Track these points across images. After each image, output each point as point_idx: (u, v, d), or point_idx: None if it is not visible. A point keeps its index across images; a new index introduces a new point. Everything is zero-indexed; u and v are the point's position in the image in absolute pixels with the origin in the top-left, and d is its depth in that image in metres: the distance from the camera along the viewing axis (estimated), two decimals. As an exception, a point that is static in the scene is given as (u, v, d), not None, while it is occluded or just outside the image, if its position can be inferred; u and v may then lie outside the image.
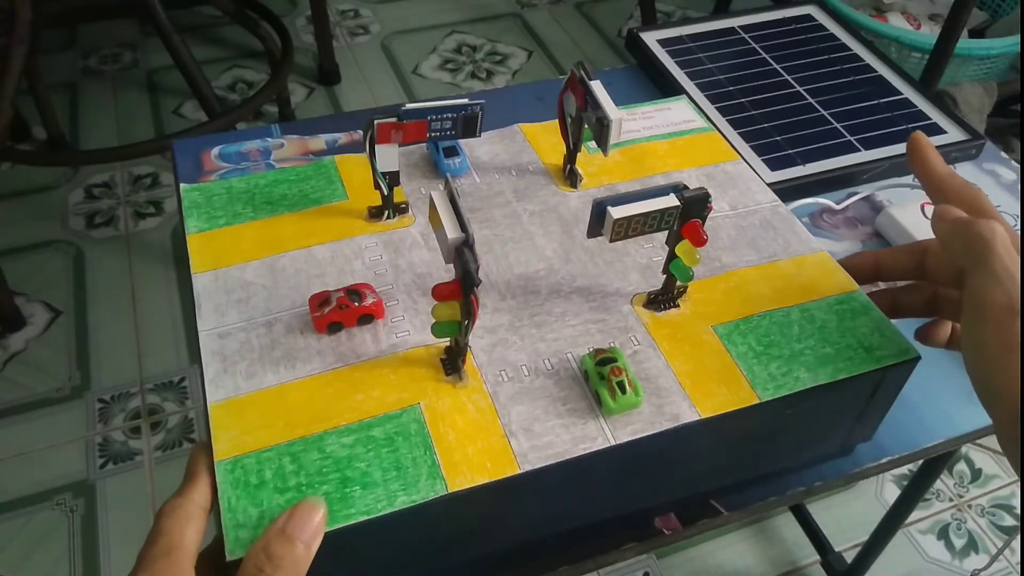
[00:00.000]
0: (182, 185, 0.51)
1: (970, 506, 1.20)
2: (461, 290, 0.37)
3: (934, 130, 0.66)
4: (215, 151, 0.57)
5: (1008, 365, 0.33)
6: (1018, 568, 1.14)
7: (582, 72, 0.48)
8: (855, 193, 0.63)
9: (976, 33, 1.69)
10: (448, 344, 0.41)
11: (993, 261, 0.35)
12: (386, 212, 0.49)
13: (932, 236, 0.40)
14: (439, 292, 0.37)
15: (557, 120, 0.52)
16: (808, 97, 0.69)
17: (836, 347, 0.42)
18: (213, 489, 0.36)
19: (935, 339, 0.44)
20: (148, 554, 0.34)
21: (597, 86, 0.47)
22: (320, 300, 0.42)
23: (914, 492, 0.94)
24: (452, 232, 0.36)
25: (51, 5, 1.55)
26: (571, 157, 0.52)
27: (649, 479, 0.43)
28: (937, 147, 0.64)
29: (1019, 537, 1.17)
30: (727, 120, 0.67)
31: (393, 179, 0.48)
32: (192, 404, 1.24)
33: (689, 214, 0.41)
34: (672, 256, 0.42)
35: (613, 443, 0.38)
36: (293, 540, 0.33)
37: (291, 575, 0.33)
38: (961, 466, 1.25)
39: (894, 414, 0.46)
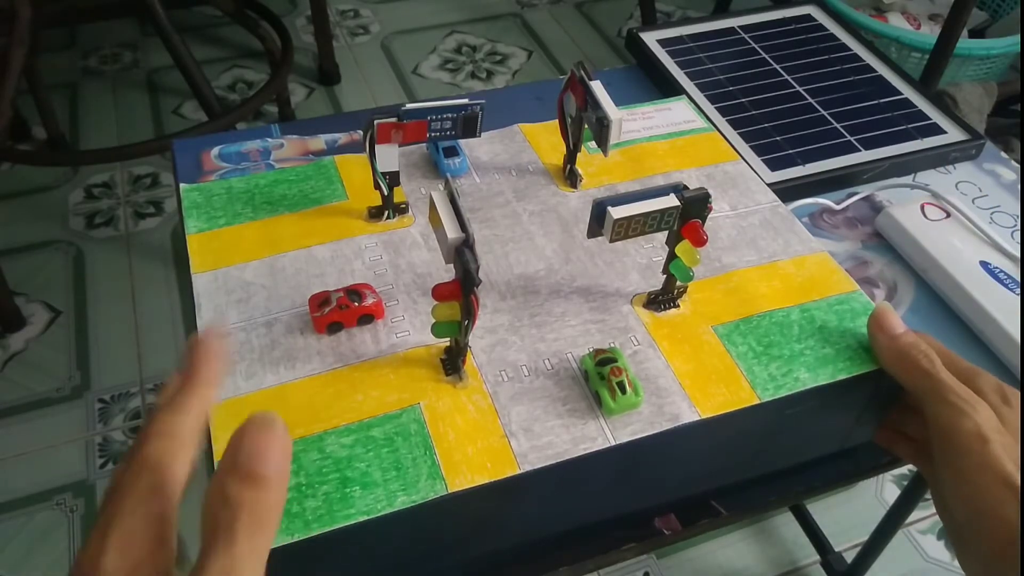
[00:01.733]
0: (182, 185, 0.51)
1: (970, 506, 1.20)
2: (461, 290, 0.37)
3: (934, 130, 0.66)
4: (215, 151, 0.57)
5: (990, 485, 0.36)
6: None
7: (582, 72, 0.48)
8: (855, 193, 0.63)
9: (976, 33, 1.69)
10: (448, 344, 0.41)
11: (948, 394, 0.38)
12: (386, 212, 0.49)
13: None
14: (439, 292, 0.37)
15: (557, 120, 0.52)
16: (808, 97, 0.69)
17: (836, 347, 0.42)
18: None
19: (893, 444, 0.46)
20: (131, 492, 0.25)
21: (597, 86, 0.47)
22: (320, 300, 0.42)
23: (914, 492, 0.94)
24: (452, 232, 0.36)
25: (51, 5, 1.55)
26: (571, 157, 0.52)
27: (649, 479, 0.43)
28: (937, 147, 0.64)
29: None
30: (727, 120, 0.67)
31: (393, 179, 0.48)
32: (192, 404, 1.24)
33: (689, 214, 0.41)
34: (672, 256, 0.42)
35: (613, 443, 0.38)
36: (252, 473, 0.25)
37: (259, 517, 0.24)
38: (961, 466, 1.25)
39: (894, 414, 0.46)
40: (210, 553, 0.24)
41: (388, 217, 0.49)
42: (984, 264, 0.55)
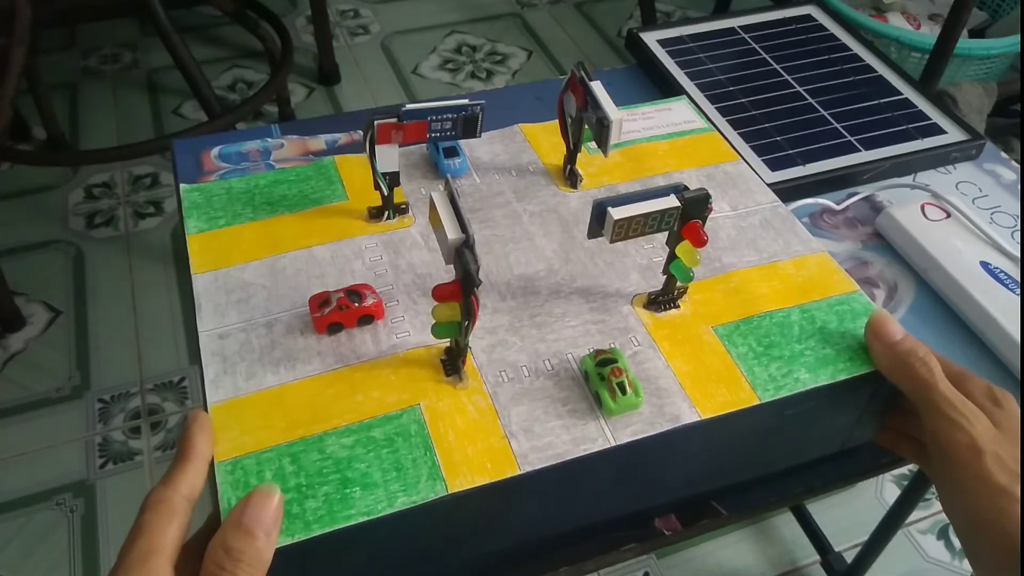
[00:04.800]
0: (182, 185, 0.51)
1: (970, 506, 1.20)
2: (461, 291, 0.37)
3: (934, 130, 0.66)
4: (215, 151, 0.57)
5: (987, 498, 0.36)
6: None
7: (582, 72, 0.48)
8: (855, 193, 0.63)
9: (976, 33, 1.68)
10: (448, 345, 0.41)
11: (944, 406, 0.38)
12: (386, 212, 0.49)
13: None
14: (439, 293, 0.37)
15: (557, 120, 0.52)
16: (808, 97, 0.69)
17: (836, 348, 0.42)
18: (209, 471, 0.35)
19: (896, 445, 0.46)
20: (127, 558, 0.32)
21: (597, 86, 0.47)
22: (320, 301, 0.42)
23: (914, 492, 0.94)
24: (452, 232, 0.36)
25: (51, 5, 1.55)
26: (571, 157, 0.52)
27: (649, 480, 0.43)
28: (937, 147, 0.64)
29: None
30: (727, 120, 0.67)
31: (393, 179, 0.48)
32: (192, 404, 1.24)
33: (689, 215, 0.41)
34: (672, 257, 0.42)
35: (613, 444, 0.38)
36: (252, 531, 0.32)
37: (254, 568, 0.32)
38: (961, 466, 1.25)
39: (894, 414, 0.46)
40: None
41: (388, 217, 0.49)
42: (984, 264, 0.55)
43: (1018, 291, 0.54)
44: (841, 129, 0.66)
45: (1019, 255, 0.56)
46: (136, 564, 0.32)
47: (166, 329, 1.34)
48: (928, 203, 0.60)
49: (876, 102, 0.69)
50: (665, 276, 0.44)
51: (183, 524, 0.33)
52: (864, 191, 0.63)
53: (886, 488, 1.21)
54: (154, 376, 1.27)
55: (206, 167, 0.56)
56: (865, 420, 0.45)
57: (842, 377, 0.41)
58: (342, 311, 0.42)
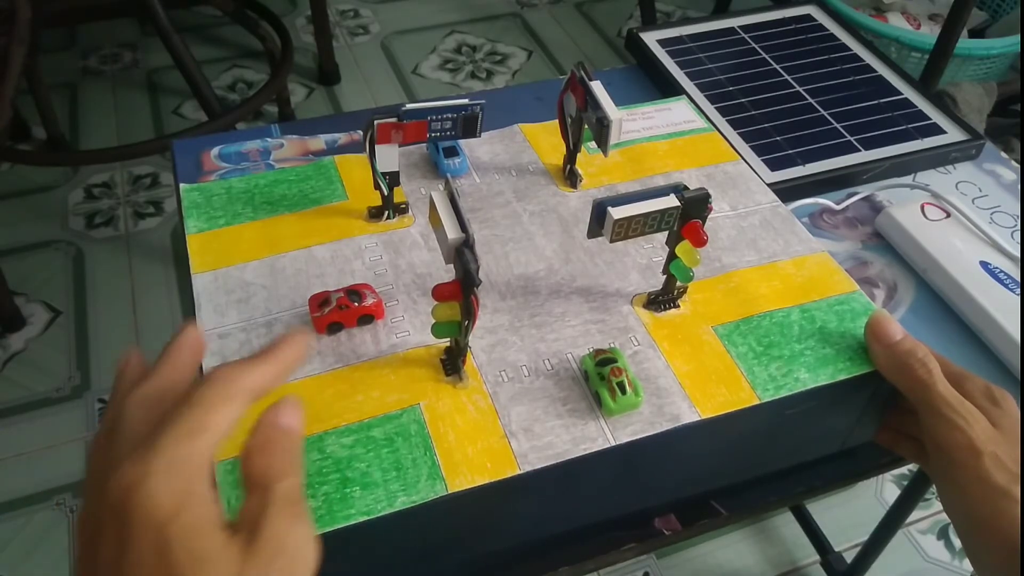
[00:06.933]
0: (182, 185, 0.51)
1: (970, 506, 1.20)
2: (461, 290, 0.37)
3: (934, 130, 0.66)
4: (215, 151, 0.57)
5: (986, 499, 0.36)
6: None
7: (582, 72, 0.48)
8: (855, 193, 0.63)
9: (976, 33, 1.68)
10: (448, 344, 0.41)
11: (943, 407, 0.39)
12: (386, 212, 0.49)
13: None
14: (439, 292, 0.37)
15: (557, 120, 0.52)
16: (808, 97, 0.69)
17: (836, 348, 0.42)
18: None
19: (896, 444, 0.46)
20: (174, 428, 0.27)
21: (597, 86, 0.47)
22: (320, 300, 0.42)
23: (914, 492, 0.94)
24: (452, 232, 0.36)
25: (51, 5, 1.55)
26: (571, 157, 0.52)
27: (649, 480, 0.43)
28: (937, 147, 0.64)
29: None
30: (727, 120, 0.67)
31: (393, 179, 0.48)
32: (192, 404, 1.24)
33: (689, 214, 0.41)
34: (672, 256, 0.42)
35: (613, 443, 0.38)
36: (291, 430, 0.30)
37: (288, 459, 0.29)
38: (961, 466, 1.25)
39: (894, 414, 0.46)
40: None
41: (388, 217, 0.49)
42: (984, 264, 0.55)
43: (1018, 291, 0.54)
44: (841, 129, 0.66)
45: (1019, 255, 0.56)
46: (187, 438, 0.27)
47: (166, 329, 1.34)
48: (928, 203, 0.60)
49: (876, 102, 0.69)
50: (665, 276, 0.44)
51: (238, 415, 0.29)
52: (864, 191, 0.63)
53: (886, 488, 1.21)
54: (154, 376, 1.27)
55: (206, 167, 0.56)
56: (865, 420, 0.45)
57: (842, 377, 0.41)
58: (342, 311, 0.42)
